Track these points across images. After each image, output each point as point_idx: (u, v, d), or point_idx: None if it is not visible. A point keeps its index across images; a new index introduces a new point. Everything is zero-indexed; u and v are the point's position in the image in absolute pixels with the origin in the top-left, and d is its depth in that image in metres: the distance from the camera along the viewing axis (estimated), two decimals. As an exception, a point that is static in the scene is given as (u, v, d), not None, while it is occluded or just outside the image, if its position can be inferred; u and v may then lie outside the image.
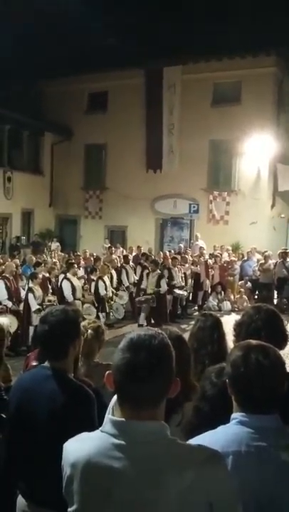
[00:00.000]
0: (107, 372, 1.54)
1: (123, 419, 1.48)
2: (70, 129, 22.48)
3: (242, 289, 15.32)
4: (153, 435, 1.46)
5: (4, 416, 3.00)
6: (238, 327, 2.80)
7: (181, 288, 13.44)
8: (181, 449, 1.50)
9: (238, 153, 19.64)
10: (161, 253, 16.51)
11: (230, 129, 18.99)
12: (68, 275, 11.09)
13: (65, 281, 10.95)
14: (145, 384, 1.45)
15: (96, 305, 11.52)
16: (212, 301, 14.87)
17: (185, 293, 13.67)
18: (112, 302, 11.96)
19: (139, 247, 17.30)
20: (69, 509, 1.52)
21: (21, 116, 19.45)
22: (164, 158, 20.59)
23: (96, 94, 22.10)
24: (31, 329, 9.76)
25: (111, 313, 11.99)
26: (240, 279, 15.86)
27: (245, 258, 16.48)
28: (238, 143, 19.30)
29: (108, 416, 1.53)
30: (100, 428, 1.53)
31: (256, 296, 15.00)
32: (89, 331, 3.65)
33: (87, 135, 21.74)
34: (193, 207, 19.89)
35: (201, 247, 16.36)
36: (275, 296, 14.97)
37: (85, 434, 1.59)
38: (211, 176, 20.49)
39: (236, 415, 1.84)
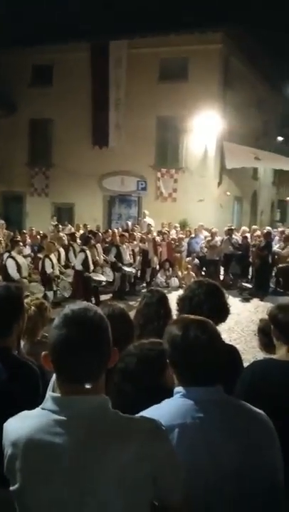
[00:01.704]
0: (43, 353, 1.52)
1: (62, 394, 1.47)
2: (13, 103, 21.72)
3: (189, 266, 15.52)
4: (94, 409, 1.46)
5: None
6: (181, 302, 2.83)
7: (129, 265, 13.48)
8: (123, 422, 1.49)
9: (185, 131, 19.68)
10: (109, 230, 16.44)
11: (177, 106, 18.96)
12: (13, 253, 10.88)
13: (9, 259, 10.74)
14: (83, 358, 1.44)
15: (43, 283, 11.37)
16: (160, 278, 15.00)
17: (133, 270, 13.71)
18: (59, 280, 11.82)
19: (85, 225, 17.13)
20: (11, 488, 1.49)
21: None
22: (110, 134, 20.34)
23: (40, 67, 21.37)
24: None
25: (58, 292, 11.86)
26: (188, 255, 16.06)
27: (193, 235, 16.67)
28: (185, 120, 19.31)
29: (49, 393, 1.52)
30: (41, 405, 1.52)
31: (203, 273, 15.25)
32: (32, 307, 3.59)
33: (31, 109, 21.08)
34: (141, 184, 19.87)
35: (149, 224, 16.39)
36: (222, 272, 15.29)
37: (25, 413, 1.56)
38: (158, 153, 20.47)
39: (179, 389, 1.84)
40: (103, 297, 12.63)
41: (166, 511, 1.57)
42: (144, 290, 14.37)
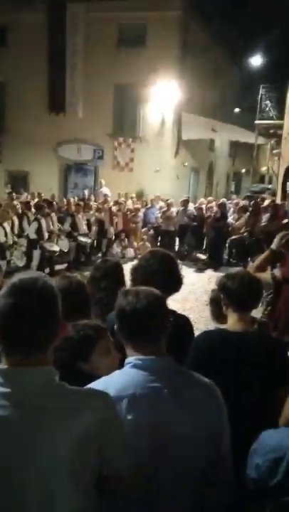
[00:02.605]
0: None
1: (8, 366, 1.44)
2: None
3: (145, 236, 15.54)
4: (40, 381, 1.44)
5: None
6: (134, 271, 2.82)
7: (84, 235, 13.35)
8: (69, 394, 1.48)
9: (143, 99, 19.42)
10: (64, 200, 16.16)
11: (135, 73, 18.64)
12: None
13: None
14: (31, 328, 1.41)
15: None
16: (116, 249, 14.95)
17: (89, 240, 13.60)
18: (13, 249, 11.59)
19: (39, 194, 16.75)
20: None
21: None
22: (66, 100, 19.80)
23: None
24: None
25: (12, 261, 11.64)
26: (144, 226, 16.05)
27: (149, 205, 16.65)
28: (143, 88, 19.04)
29: None
30: None
31: (158, 244, 15.31)
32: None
33: (-17, 71, 20.20)
34: (98, 153, 19.58)
35: (105, 194, 16.22)
36: (177, 243, 15.40)
37: None
38: (116, 122, 20.17)
39: (130, 359, 1.86)
40: (58, 267, 12.51)
41: (113, 481, 1.59)
42: (99, 261, 14.34)
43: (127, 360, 1.87)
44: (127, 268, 3.72)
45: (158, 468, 1.77)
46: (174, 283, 2.72)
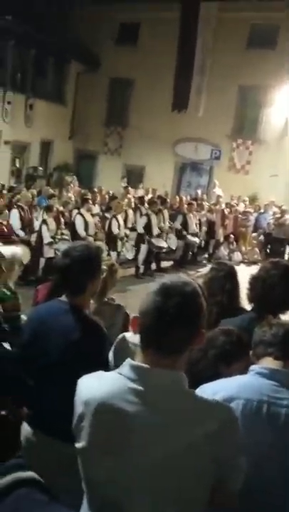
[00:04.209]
0: (133, 315, 1.52)
1: (143, 364, 1.46)
2: (97, 59, 21.66)
3: (254, 242, 15.24)
4: (171, 385, 1.45)
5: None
6: (254, 281, 2.79)
7: (194, 235, 13.36)
8: (198, 403, 1.47)
9: (267, 102, 18.96)
10: (177, 197, 16.32)
11: (262, 75, 18.25)
12: (82, 211, 11.03)
13: (78, 216, 10.91)
14: (172, 330, 1.43)
15: (107, 243, 11.52)
16: (223, 251, 14.83)
17: (197, 240, 13.60)
18: (124, 242, 11.94)
19: (154, 190, 17.05)
20: (76, 444, 1.52)
21: (47, 38, 18.64)
22: (191, 98, 19.87)
23: (128, 24, 21.01)
24: (42, 261, 9.87)
25: (122, 253, 12.01)
26: (254, 231, 15.74)
27: (262, 211, 16.28)
28: (268, 90, 18.61)
29: (128, 360, 1.50)
30: (117, 370, 1.52)
31: (268, 250, 14.94)
32: (104, 267, 3.65)
33: (114, 67, 20.94)
34: (215, 153, 19.48)
35: (218, 195, 16.13)
36: (287, 251, 14.90)
37: (101, 373, 1.57)
38: (236, 123, 19.91)
39: (255, 367, 1.87)
40: (164, 264, 12.69)
41: (222, 495, 1.52)
42: (205, 261, 14.36)
43: (252, 367, 1.88)
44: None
45: (263, 478, 1.75)
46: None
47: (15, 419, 2.67)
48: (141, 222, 12.00)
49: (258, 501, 1.75)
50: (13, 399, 2.68)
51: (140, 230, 11.90)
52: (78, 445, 1.51)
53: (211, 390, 1.78)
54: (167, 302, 1.42)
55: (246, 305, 3.30)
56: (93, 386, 1.51)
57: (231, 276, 3.47)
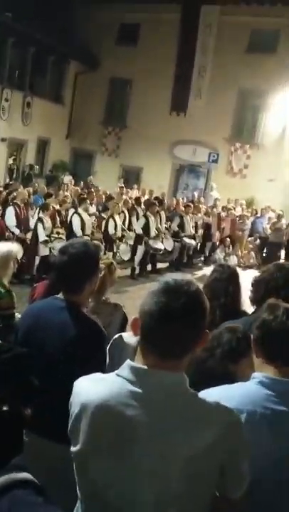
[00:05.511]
0: (134, 317, 1.44)
1: (144, 366, 1.39)
2: (96, 59, 21.62)
3: (250, 246, 15.22)
4: (172, 387, 1.38)
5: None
6: (257, 283, 2.74)
7: (190, 237, 13.33)
8: (201, 407, 1.42)
9: (266, 106, 19.02)
10: (174, 199, 16.28)
11: (261, 80, 18.33)
12: (79, 210, 10.95)
13: (75, 215, 10.83)
14: (176, 331, 1.36)
15: (104, 243, 11.44)
16: (219, 254, 14.79)
17: (194, 242, 13.57)
18: (121, 242, 11.88)
19: (151, 191, 17.02)
20: (72, 448, 1.46)
21: (47, 37, 18.60)
22: (190, 100, 19.87)
23: (128, 25, 20.97)
24: (37, 259, 9.78)
25: (118, 254, 11.94)
26: (250, 235, 15.72)
27: (259, 215, 16.27)
28: (267, 95, 18.68)
29: (128, 361, 1.44)
30: (116, 372, 1.45)
31: (264, 254, 14.92)
32: (102, 266, 3.59)
33: (113, 68, 20.89)
34: (213, 156, 19.48)
35: (215, 199, 16.11)
36: (283, 256, 14.88)
37: (99, 375, 1.51)
38: (235, 127, 19.93)
39: (258, 375, 1.79)
40: (160, 265, 12.65)
41: (224, 503, 1.49)
42: (200, 264, 14.33)
43: (254, 374, 1.80)
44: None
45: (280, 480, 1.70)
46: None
47: (18, 417, 2.59)
48: (140, 224, 11.95)
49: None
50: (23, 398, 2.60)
51: (139, 231, 11.84)
52: (74, 449, 1.45)
53: (213, 399, 1.72)
54: (172, 303, 1.35)
55: (246, 308, 3.26)
56: (90, 388, 1.45)
57: (234, 278, 3.41)
